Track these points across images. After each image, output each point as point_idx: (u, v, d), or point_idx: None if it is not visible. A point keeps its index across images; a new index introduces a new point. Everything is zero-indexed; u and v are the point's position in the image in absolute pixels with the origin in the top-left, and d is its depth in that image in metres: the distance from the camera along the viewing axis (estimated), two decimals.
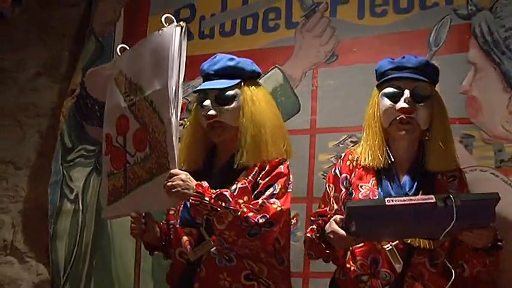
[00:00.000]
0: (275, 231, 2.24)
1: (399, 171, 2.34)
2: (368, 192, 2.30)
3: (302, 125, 3.09)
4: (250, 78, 2.49)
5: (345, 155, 2.49)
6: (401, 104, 2.30)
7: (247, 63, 2.51)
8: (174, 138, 2.30)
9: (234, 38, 3.38)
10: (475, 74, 2.83)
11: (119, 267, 3.27)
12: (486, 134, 2.76)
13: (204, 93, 2.44)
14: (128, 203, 2.52)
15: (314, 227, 2.32)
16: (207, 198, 2.20)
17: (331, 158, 2.97)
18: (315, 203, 2.86)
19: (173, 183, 2.24)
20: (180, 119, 2.39)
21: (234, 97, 2.42)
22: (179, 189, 2.23)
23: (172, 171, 2.28)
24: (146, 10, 3.62)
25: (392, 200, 1.98)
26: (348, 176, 2.40)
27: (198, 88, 2.47)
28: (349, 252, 2.31)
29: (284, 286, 2.37)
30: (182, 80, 2.37)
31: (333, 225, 2.14)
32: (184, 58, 2.39)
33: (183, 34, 2.40)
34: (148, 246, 2.57)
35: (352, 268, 2.28)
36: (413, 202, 1.98)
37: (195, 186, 2.23)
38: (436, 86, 2.46)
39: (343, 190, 2.39)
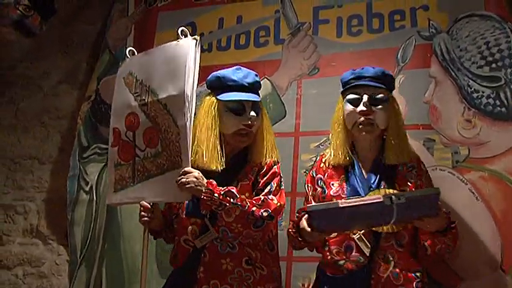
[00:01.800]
0: (274, 223, 2.38)
1: (364, 167, 2.41)
2: (338, 189, 2.39)
3: (287, 128, 3.17)
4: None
5: (319, 158, 2.58)
6: (360, 107, 2.39)
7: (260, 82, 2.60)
8: (188, 140, 2.34)
9: (229, 52, 3.46)
10: (436, 86, 2.93)
11: (127, 249, 3.32)
12: (445, 138, 2.85)
13: (239, 102, 2.44)
14: (136, 192, 2.53)
15: (293, 221, 2.43)
16: (216, 195, 2.27)
17: (313, 157, 3.04)
18: (298, 196, 2.99)
19: (187, 180, 2.29)
20: None
21: (260, 109, 2.50)
22: (193, 185, 2.28)
23: (186, 169, 2.32)
24: (153, 27, 3.68)
25: (344, 202, 2.10)
26: (322, 177, 2.48)
27: (242, 98, 2.43)
28: (326, 243, 2.39)
29: (275, 268, 2.44)
30: (196, 87, 2.40)
31: (303, 223, 2.26)
32: (198, 68, 2.43)
33: (197, 46, 2.44)
34: (153, 232, 2.61)
35: (330, 256, 2.36)
36: (363, 203, 2.09)
37: (206, 184, 2.29)
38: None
39: (318, 189, 2.46)
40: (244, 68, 2.55)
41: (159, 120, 2.46)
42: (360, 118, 2.39)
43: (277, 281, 2.44)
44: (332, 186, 2.41)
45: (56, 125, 3.81)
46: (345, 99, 2.46)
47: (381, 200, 2.06)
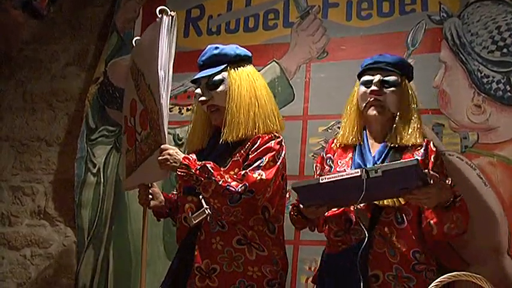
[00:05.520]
0: (257, 199, 2.24)
1: (373, 148, 2.39)
2: (344, 166, 2.39)
3: (296, 112, 3.14)
4: (236, 61, 2.48)
5: (330, 140, 2.59)
6: (371, 87, 2.40)
7: (231, 49, 2.50)
8: (164, 116, 2.35)
9: (238, 35, 3.41)
10: (445, 71, 2.89)
11: (134, 231, 3.31)
12: (454, 123, 2.82)
13: (197, 83, 2.49)
14: (138, 175, 2.59)
15: (292, 204, 2.48)
16: (192, 170, 2.24)
17: (321, 141, 3.04)
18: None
19: (163, 157, 2.30)
20: (189, 105, 2.43)
21: (221, 81, 2.42)
22: (168, 162, 2.29)
23: (162, 146, 2.33)
24: None
25: (325, 178, 2.08)
26: (332, 156, 2.48)
27: (191, 80, 2.55)
28: (326, 220, 2.40)
29: (277, 252, 2.35)
30: (172, 64, 2.41)
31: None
32: (174, 44, 2.44)
33: (172, 23, 2.43)
34: (156, 213, 2.63)
35: (329, 231, 2.37)
36: (342, 177, 2.06)
37: (181, 159, 2.27)
38: (412, 81, 2.53)
39: (326, 167, 2.47)
40: (210, 45, 2.53)
41: (146, 101, 2.50)
42: (371, 98, 2.40)
43: (277, 265, 2.34)
44: (338, 164, 2.41)
45: (64, 107, 3.79)
46: (360, 82, 2.47)
47: (358, 174, 2.01)
